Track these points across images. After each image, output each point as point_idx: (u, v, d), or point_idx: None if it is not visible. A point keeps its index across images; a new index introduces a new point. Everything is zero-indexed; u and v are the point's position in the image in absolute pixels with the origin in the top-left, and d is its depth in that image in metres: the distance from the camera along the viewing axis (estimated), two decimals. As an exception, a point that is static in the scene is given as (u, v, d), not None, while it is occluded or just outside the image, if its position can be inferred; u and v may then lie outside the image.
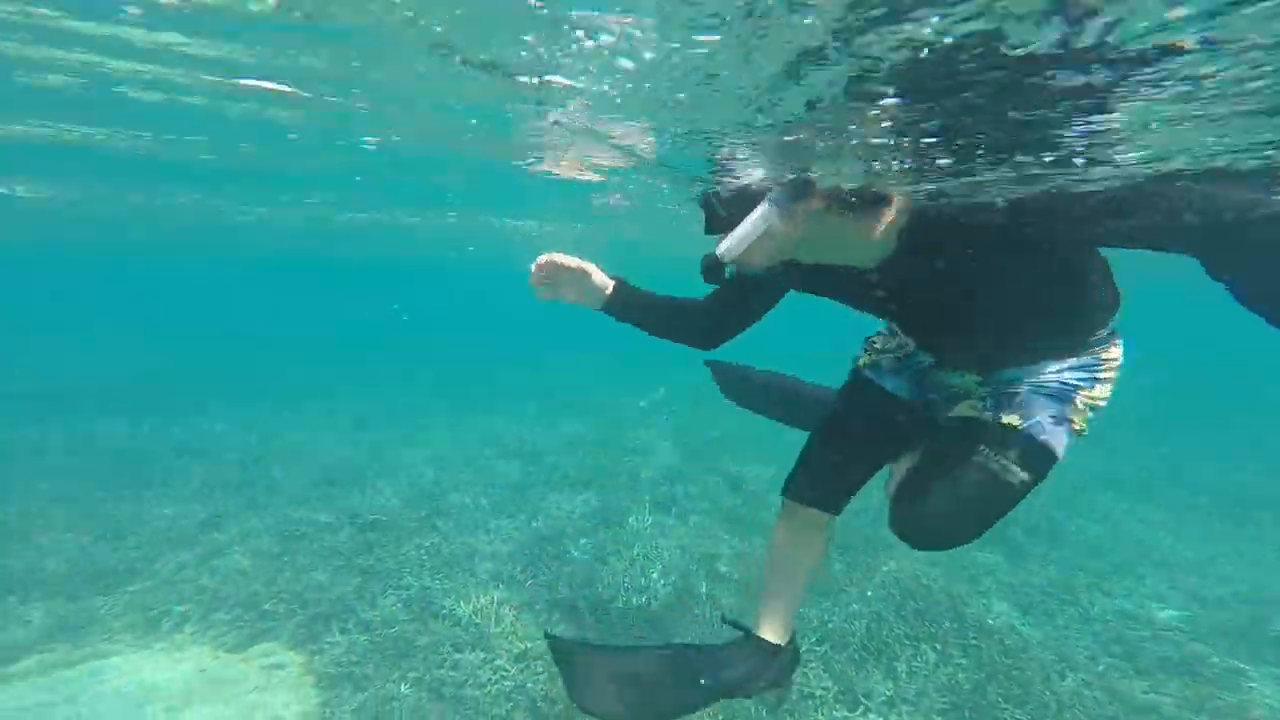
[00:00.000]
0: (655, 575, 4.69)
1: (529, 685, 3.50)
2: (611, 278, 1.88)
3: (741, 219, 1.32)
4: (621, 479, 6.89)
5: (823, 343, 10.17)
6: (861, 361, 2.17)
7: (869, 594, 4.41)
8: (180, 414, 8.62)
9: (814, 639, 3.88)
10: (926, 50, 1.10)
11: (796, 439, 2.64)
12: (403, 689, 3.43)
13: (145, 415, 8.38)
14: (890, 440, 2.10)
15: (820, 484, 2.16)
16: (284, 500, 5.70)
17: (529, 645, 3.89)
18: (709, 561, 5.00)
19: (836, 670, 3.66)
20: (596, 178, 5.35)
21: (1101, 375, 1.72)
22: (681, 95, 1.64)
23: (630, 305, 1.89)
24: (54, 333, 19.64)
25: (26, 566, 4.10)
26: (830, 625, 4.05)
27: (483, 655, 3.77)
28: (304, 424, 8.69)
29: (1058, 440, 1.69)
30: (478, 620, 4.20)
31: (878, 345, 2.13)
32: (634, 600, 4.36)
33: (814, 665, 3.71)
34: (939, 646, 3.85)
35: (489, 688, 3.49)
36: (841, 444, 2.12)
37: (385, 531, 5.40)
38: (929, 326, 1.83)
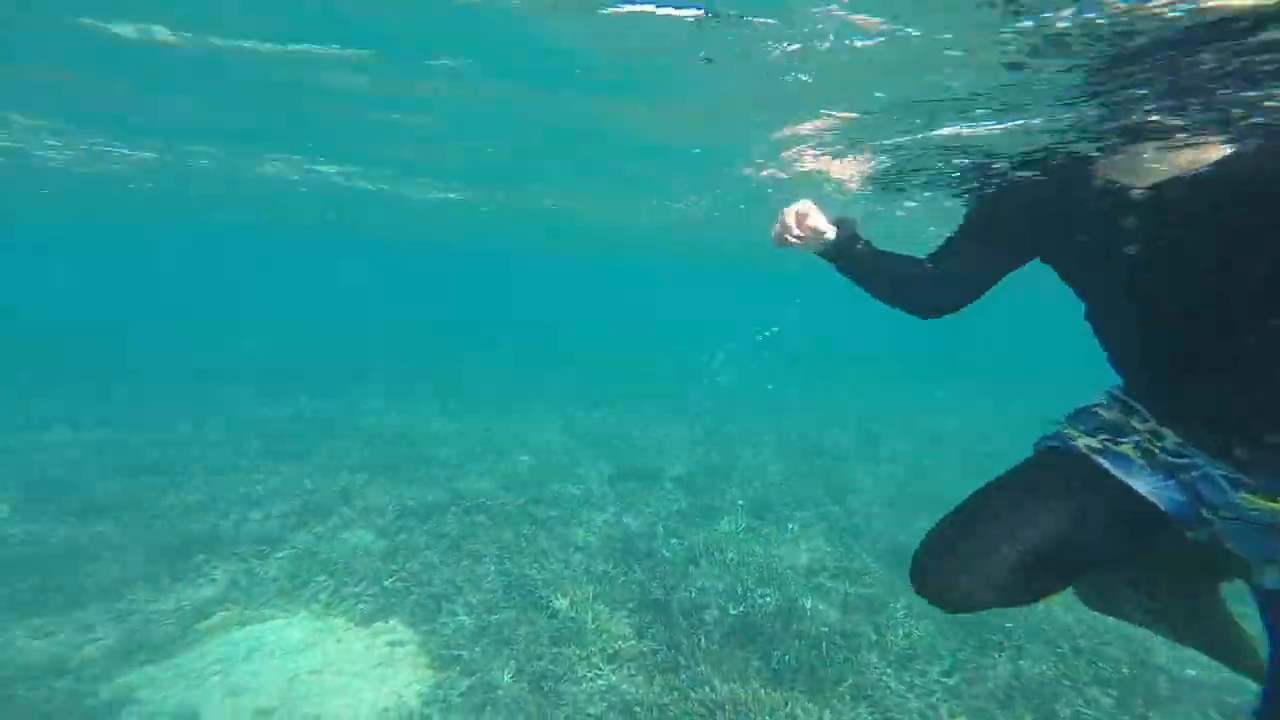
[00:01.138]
0: (751, 583, 4.49)
1: (623, 687, 3.48)
2: (833, 222, 1.73)
3: None
4: (716, 480, 6.73)
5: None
6: (1085, 442, 1.46)
7: None
8: (326, 394, 9.64)
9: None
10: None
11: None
12: (505, 678, 3.54)
13: (298, 394, 9.51)
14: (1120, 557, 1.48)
15: (991, 585, 1.44)
16: (401, 479, 6.17)
17: (622, 645, 3.88)
18: (811, 574, 4.72)
19: None
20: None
21: None
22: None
23: (854, 258, 1.73)
24: (232, 315, 22.72)
25: (208, 530, 4.77)
26: None
27: (578, 651, 3.81)
28: (415, 408, 9.40)
29: None
30: (574, 614, 4.26)
31: (1108, 417, 1.47)
32: (730, 609, 4.21)
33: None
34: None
35: (585, 685, 3.52)
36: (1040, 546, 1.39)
37: (489, 515, 5.68)
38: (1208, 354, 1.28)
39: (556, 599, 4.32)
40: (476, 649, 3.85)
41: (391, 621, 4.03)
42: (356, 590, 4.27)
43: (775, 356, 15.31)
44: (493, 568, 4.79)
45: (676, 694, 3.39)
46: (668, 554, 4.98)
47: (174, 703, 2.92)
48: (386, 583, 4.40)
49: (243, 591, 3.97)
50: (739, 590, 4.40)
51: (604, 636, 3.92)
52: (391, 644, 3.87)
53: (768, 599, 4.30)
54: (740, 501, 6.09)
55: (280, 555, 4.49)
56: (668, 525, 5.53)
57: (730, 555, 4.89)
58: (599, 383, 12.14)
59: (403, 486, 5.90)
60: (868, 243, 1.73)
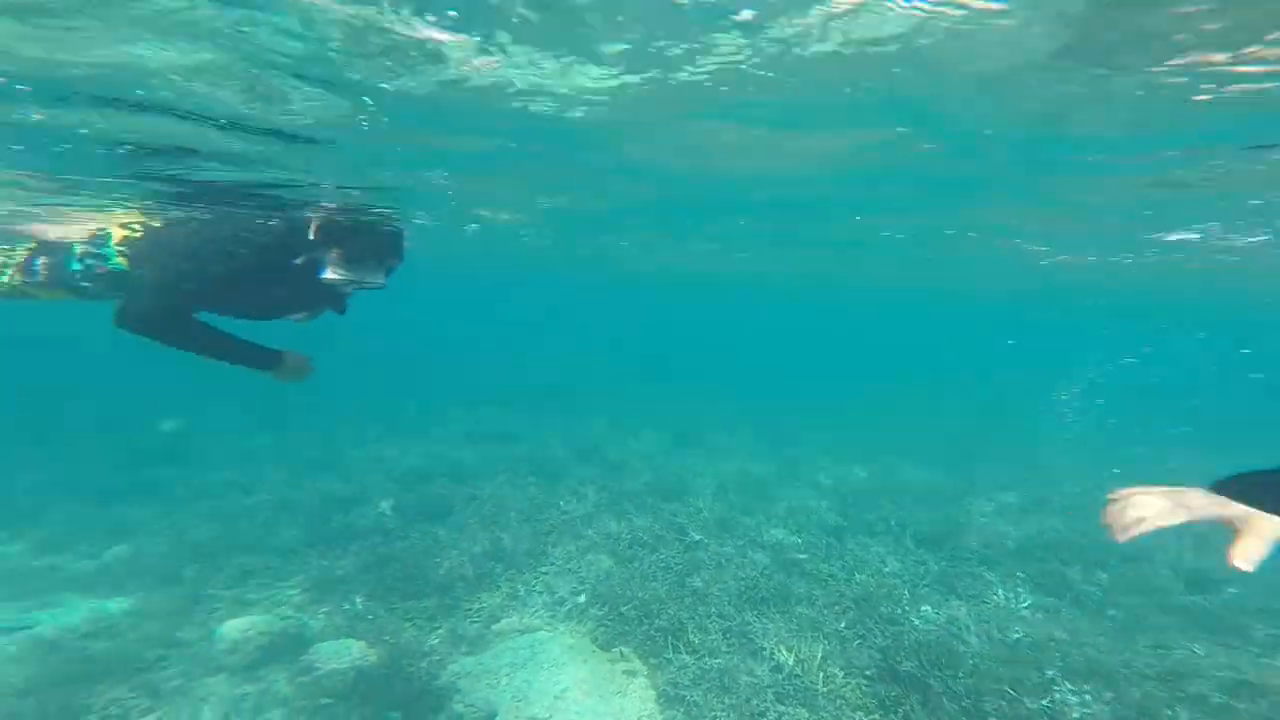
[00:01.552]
0: (1059, 679, 3.49)
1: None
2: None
3: None
4: (971, 539, 5.58)
5: None
6: None
7: None
8: (582, 419, 11.33)
9: None
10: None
11: None
12: (727, 729, 3.45)
13: (558, 419, 11.38)
14: None
15: None
16: (631, 506, 6.74)
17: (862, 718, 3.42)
18: (1174, 682, 3.44)
19: None
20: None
21: None
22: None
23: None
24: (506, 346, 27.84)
25: (493, 540, 5.96)
26: None
27: (807, 714, 3.50)
28: (640, 436, 10.24)
29: None
30: (800, 673, 3.96)
31: None
32: (1033, 703, 3.33)
33: None
34: None
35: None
36: None
37: (705, 552, 5.76)
38: None
39: (780, 652, 4.07)
40: (698, 692, 3.86)
41: (625, 649, 4.33)
42: (599, 613, 4.73)
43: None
44: (714, 609, 4.79)
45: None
46: (919, 623, 4.25)
47: (480, 700, 3.62)
48: (623, 609, 4.77)
49: (519, 601, 4.77)
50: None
51: (838, 703, 3.51)
52: (627, 673, 4.14)
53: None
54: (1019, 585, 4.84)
55: (544, 570, 5.29)
56: (918, 591, 4.73)
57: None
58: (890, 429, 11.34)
59: (635, 515, 6.40)
60: None
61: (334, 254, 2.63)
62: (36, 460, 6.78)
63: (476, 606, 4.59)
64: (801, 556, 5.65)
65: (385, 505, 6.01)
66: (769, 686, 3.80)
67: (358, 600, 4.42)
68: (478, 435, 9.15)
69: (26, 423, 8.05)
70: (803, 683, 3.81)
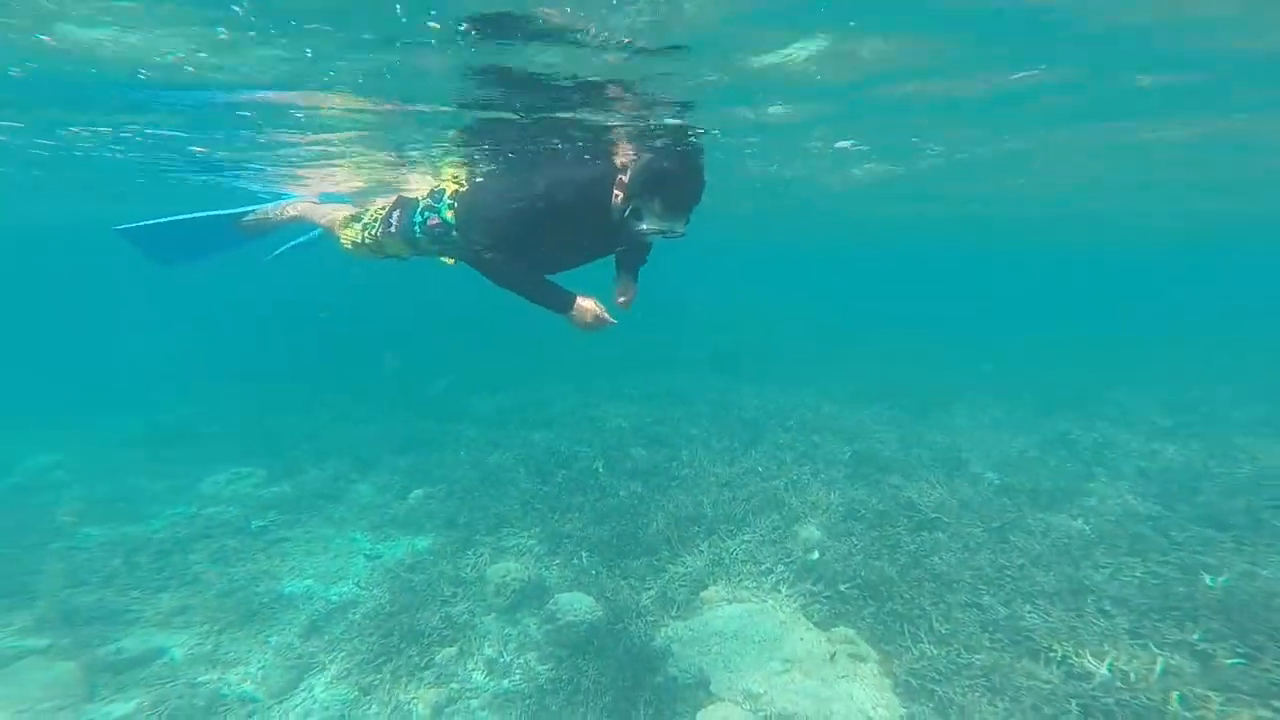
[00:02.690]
0: None
1: None
2: None
3: None
4: None
5: None
6: None
7: None
8: (787, 387, 11.00)
9: None
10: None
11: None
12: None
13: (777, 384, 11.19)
14: None
15: None
16: (841, 476, 6.20)
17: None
18: None
19: None
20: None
21: None
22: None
23: None
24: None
25: (694, 504, 6.14)
26: None
27: None
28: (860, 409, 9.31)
29: None
30: (1123, 684, 3.20)
31: None
32: None
33: None
34: None
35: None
36: None
37: (945, 532, 4.97)
38: None
39: (1081, 657, 3.34)
40: (954, 688, 3.40)
41: (848, 631, 4.05)
42: (813, 589, 4.50)
43: None
44: (964, 597, 4.16)
45: None
46: None
47: (693, 667, 3.80)
48: (842, 587, 4.45)
49: (723, 569, 4.83)
50: None
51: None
52: (853, 657, 3.87)
53: None
54: None
55: (745, 538, 5.23)
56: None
57: None
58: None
59: (846, 486, 5.88)
60: None
61: (657, 204, 2.56)
62: (360, 414, 9.32)
63: (682, 571, 4.80)
64: (1097, 550, 4.53)
65: (598, 464, 6.66)
66: (1068, 695, 3.19)
67: (584, 555, 5.01)
68: (663, 396, 9.45)
69: (349, 381, 11.14)
70: (1132, 698, 3.10)
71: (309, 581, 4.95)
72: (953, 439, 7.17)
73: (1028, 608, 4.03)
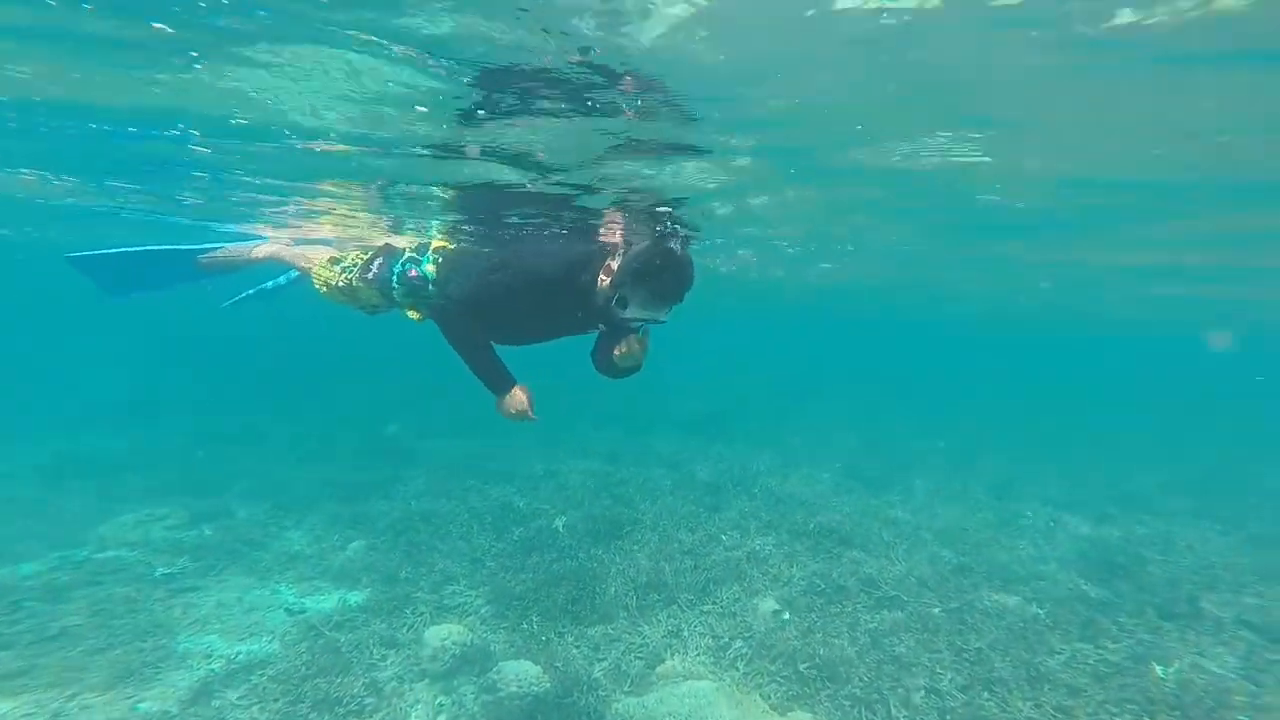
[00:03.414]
0: None
1: None
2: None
3: None
4: None
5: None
6: None
7: None
8: (754, 449, 11.07)
9: None
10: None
11: None
12: None
13: (714, 446, 11.28)
14: None
15: None
16: (803, 548, 6.16)
17: None
18: None
19: None
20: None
21: None
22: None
23: None
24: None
25: (656, 570, 5.92)
26: None
27: None
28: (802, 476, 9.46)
29: None
30: None
31: None
32: None
33: None
34: None
35: None
36: None
37: (904, 611, 4.96)
38: None
39: None
40: None
41: (805, 716, 3.88)
42: (771, 668, 4.34)
43: None
44: (923, 681, 4.09)
45: None
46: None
47: (645, 749, 3.54)
48: (801, 667, 4.31)
49: (681, 641, 4.63)
50: None
51: None
52: (812, 749, 3.70)
53: None
54: None
55: (705, 609, 5.06)
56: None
57: None
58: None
59: (807, 560, 5.84)
60: None
61: (643, 293, 2.56)
62: (305, 452, 8.81)
63: (639, 642, 4.57)
64: (1049, 633, 4.57)
65: (559, 522, 6.43)
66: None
67: (534, 619, 4.72)
68: (630, 455, 9.37)
69: (296, 418, 10.59)
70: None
71: (212, 638, 4.43)
72: (912, 515, 7.29)
73: (985, 695, 4.00)
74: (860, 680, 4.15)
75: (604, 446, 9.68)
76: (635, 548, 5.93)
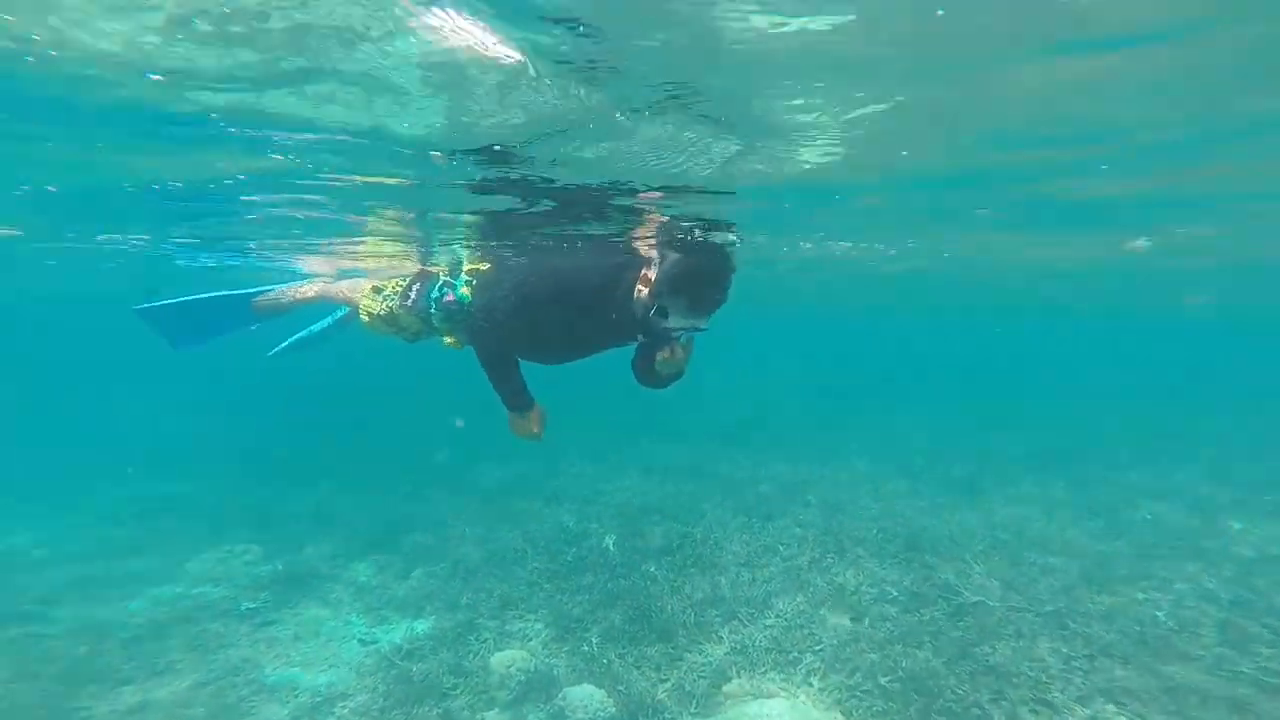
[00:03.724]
0: None
1: None
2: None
3: None
4: None
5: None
6: None
7: None
8: (805, 458, 10.86)
9: None
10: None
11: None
12: None
13: (756, 455, 11.07)
14: None
15: None
16: (867, 554, 5.90)
17: None
18: None
19: None
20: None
21: None
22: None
23: None
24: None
25: (712, 584, 5.79)
26: None
27: None
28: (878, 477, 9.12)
29: None
30: None
31: None
32: None
33: None
34: None
35: None
36: None
37: (991, 617, 4.65)
38: None
39: None
40: None
41: (894, 733, 3.68)
42: (849, 682, 4.13)
43: None
44: (1028, 693, 3.81)
45: None
46: None
47: (721, 774, 3.41)
48: (883, 681, 4.10)
49: (746, 658, 4.47)
50: None
51: None
52: (903, 769, 3.48)
53: None
54: None
55: (768, 622, 4.89)
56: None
57: None
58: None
59: (874, 566, 5.58)
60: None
61: (683, 301, 2.51)
62: (362, 484, 9.13)
63: (701, 660, 4.45)
64: (1179, 638, 4.19)
65: (609, 541, 6.39)
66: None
67: (593, 641, 4.68)
68: (673, 468, 9.25)
69: (352, 452, 11.00)
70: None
71: (296, 670, 4.59)
72: (987, 518, 6.89)
73: (1111, 707, 3.67)
74: (954, 693, 3.89)
75: (648, 462, 9.62)
76: (689, 563, 5.82)
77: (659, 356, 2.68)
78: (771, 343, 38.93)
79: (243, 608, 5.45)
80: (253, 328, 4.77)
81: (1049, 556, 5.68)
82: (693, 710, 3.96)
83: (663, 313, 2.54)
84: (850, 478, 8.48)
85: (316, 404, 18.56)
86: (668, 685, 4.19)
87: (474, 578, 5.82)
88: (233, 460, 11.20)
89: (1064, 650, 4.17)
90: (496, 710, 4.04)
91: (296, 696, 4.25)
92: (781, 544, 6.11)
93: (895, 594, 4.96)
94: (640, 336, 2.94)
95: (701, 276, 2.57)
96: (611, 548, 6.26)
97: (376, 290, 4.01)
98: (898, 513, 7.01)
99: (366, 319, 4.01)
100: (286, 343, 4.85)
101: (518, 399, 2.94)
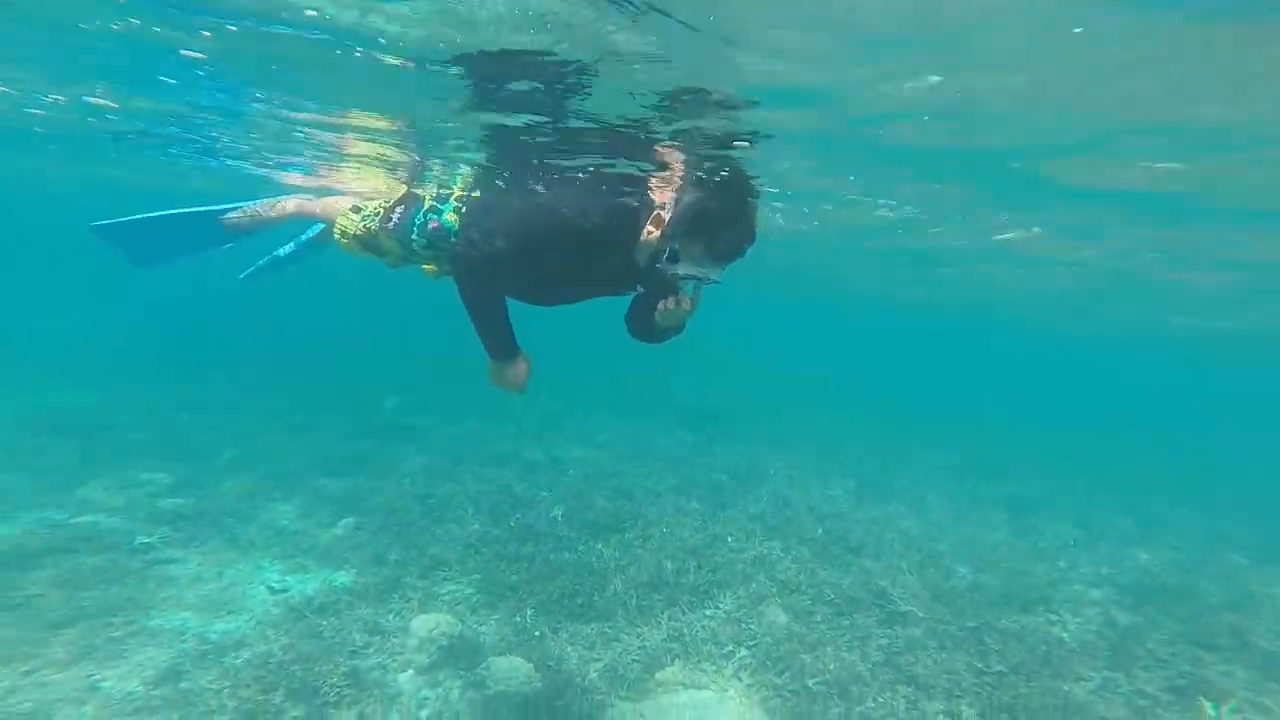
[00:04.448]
0: None
1: None
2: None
3: None
4: None
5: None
6: None
7: None
8: (760, 448, 10.90)
9: None
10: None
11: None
12: None
13: (720, 442, 11.06)
14: None
15: None
16: (810, 554, 5.94)
17: None
18: None
19: None
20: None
21: None
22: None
23: None
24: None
25: (657, 567, 5.72)
26: None
27: None
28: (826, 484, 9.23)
29: None
30: None
31: None
32: None
33: None
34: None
35: None
36: None
37: (919, 628, 4.75)
38: None
39: None
40: None
41: (815, 735, 3.70)
42: (778, 681, 4.14)
43: None
44: (940, 705, 3.89)
45: None
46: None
47: (642, 763, 3.34)
48: (810, 683, 4.12)
49: (682, 645, 4.42)
50: None
51: None
52: (819, 770, 3.51)
53: None
54: None
55: (708, 613, 4.86)
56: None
57: None
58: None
59: (816, 567, 5.62)
60: None
61: (700, 247, 2.29)
62: (298, 422, 8.61)
63: (637, 643, 4.37)
64: (1078, 660, 4.36)
65: (557, 512, 6.22)
66: None
67: (528, 612, 4.52)
68: (632, 447, 9.14)
69: (291, 384, 10.38)
70: None
71: (187, 614, 4.20)
72: (925, 527, 7.08)
73: None
74: (874, 700, 3.95)
75: (605, 436, 9.46)
76: (636, 543, 5.72)
77: (660, 307, 2.44)
78: (742, 330, 39.28)
79: (136, 542, 4.99)
80: (226, 246, 4.29)
81: (978, 573, 5.86)
82: (622, 693, 3.87)
83: (674, 257, 2.32)
84: (805, 479, 8.57)
85: (262, 327, 17.49)
86: (600, 665, 4.09)
87: (407, 533, 5.55)
88: (154, 375, 10.37)
89: (978, 665, 4.29)
90: (411, 673, 3.83)
91: (182, 642, 3.89)
92: (730, 535, 6.08)
93: (832, 596, 5.01)
94: (639, 287, 2.73)
95: (723, 218, 2.33)
96: (559, 518, 6.09)
97: (356, 210, 3.64)
98: (841, 512, 7.12)
99: (343, 239, 3.64)
100: (255, 266, 4.39)
101: (505, 344, 2.61)
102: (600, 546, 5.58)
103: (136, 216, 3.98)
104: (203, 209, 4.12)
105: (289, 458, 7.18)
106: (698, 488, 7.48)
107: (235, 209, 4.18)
